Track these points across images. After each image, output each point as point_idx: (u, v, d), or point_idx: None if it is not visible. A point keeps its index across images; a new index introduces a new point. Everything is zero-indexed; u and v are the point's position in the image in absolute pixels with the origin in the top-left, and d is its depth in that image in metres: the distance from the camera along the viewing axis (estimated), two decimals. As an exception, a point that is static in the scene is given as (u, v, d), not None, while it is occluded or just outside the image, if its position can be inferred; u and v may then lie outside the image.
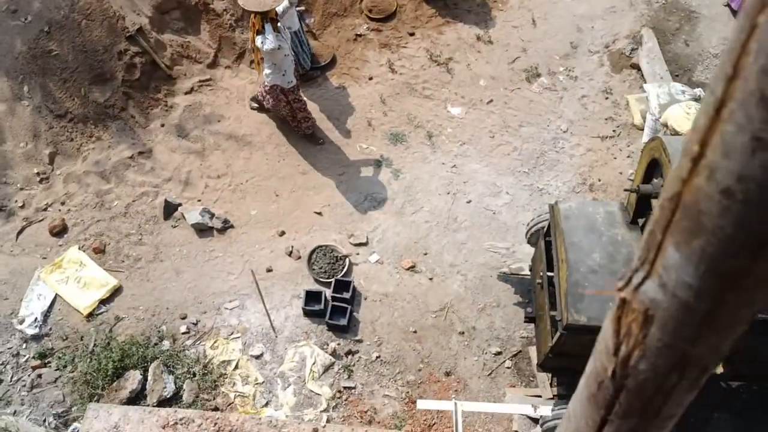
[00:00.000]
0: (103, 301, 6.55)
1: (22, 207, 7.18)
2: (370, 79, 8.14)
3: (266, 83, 6.99)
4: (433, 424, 6.00)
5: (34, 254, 6.91)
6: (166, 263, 6.82)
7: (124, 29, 7.68)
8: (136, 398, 5.98)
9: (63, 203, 7.20)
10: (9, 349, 6.34)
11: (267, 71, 6.85)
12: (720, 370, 5.21)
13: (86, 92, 7.54)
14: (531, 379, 6.24)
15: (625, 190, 5.31)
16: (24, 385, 6.15)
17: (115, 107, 7.64)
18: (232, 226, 7.03)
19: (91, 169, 7.38)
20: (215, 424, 3.78)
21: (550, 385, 6.14)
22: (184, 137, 7.65)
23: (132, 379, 5.99)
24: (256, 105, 7.76)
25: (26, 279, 6.72)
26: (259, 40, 6.52)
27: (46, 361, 6.29)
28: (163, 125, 7.71)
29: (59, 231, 6.99)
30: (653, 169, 4.88)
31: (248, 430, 3.78)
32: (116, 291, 6.62)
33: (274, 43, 6.47)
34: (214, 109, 7.86)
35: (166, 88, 7.91)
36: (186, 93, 7.92)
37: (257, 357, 6.26)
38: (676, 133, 6.67)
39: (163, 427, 3.79)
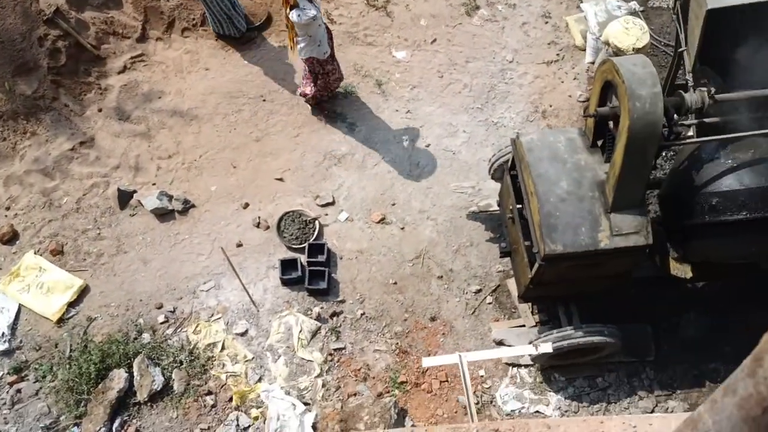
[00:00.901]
0: (72, 304, 6.30)
1: (-36, 218, 6.78)
2: (311, 33, 7.86)
3: (301, 57, 6.67)
4: (426, 371, 6.09)
5: (-14, 266, 6.58)
6: (130, 254, 6.58)
7: (40, 12, 7.15)
8: (125, 396, 5.86)
9: (8, 208, 6.81)
10: (-20, 369, 6.08)
11: (301, 44, 6.50)
12: (689, 274, 5.43)
13: (11, 86, 7.06)
14: (513, 311, 6.37)
15: (584, 116, 5.35)
16: (4, 403, 5.92)
17: (46, 98, 7.19)
18: (193, 206, 6.80)
19: (31, 167, 6.98)
20: None
21: (532, 313, 6.30)
22: (126, 120, 7.28)
23: (118, 379, 5.83)
24: (309, 99, 7.27)
25: (-16, 293, 6.40)
26: (294, 14, 6.16)
27: (23, 374, 6.05)
28: (100, 110, 7.30)
29: (10, 238, 6.63)
30: (607, 91, 4.91)
31: None
32: (83, 291, 6.37)
33: (312, 13, 6.18)
34: (152, 85, 7.47)
35: (96, 70, 7.47)
36: (119, 72, 7.49)
37: (242, 334, 6.18)
38: (618, 50, 6.70)
39: None
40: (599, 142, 5.11)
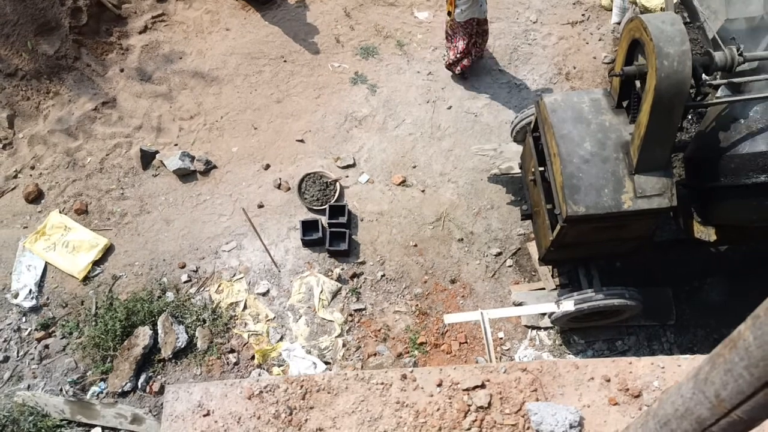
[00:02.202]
0: (97, 263, 6.41)
1: (-10, 177, 6.88)
2: (331, -8, 7.79)
3: (460, 20, 6.59)
4: (446, 332, 6.13)
5: (13, 225, 6.67)
6: (153, 214, 6.65)
7: (61, -28, 7.15)
8: (150, 353, 5.97)
9: (33, 168, 6.90)
10: (9, 325, 6.21)
11: (462, 7, 6.45)
12: (713, 237, 5.36)
13: (33, 45, 7.09)
14: (533, 273, 6.36)
15: (609, 75, 5.25)
16: (33, 359, 6.08)
17: (68, 57, 7.21)
18: (215, 167, 6.83)
19: (55, 127, 7.03)
20: (301, 386, 3.75)
21: (552, 276, 6.29)
22: (147, 80, 7.29)
23: (143, 336, 5.95)
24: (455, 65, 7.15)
25: (11, 251, 6.52)
26: None
27: (50, 330, 6.19)
28: (122, 70, 7.32)
29: (35, 197, 6.73)
30: (634, 49, 4.80)
31: (336, 386, 3.76)
32: (108, 250, 6.47)
33: None
34: (173, 45, 7.46)
35: (118, 30, 7.47)
36: (140, 32, 7.49)
37: (264, 294, 6.25)
38: (645, 9, 6.55)
39: (249, 398, 3.75)
40: (624, 103, 5.03)
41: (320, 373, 4.81)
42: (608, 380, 3.73)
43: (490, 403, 3.70)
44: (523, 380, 3.76)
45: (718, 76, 4.75)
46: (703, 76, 4.48)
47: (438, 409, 3.70)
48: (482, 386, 3.76)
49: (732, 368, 1.73)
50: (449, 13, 6.66)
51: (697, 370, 1.93)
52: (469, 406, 3.70)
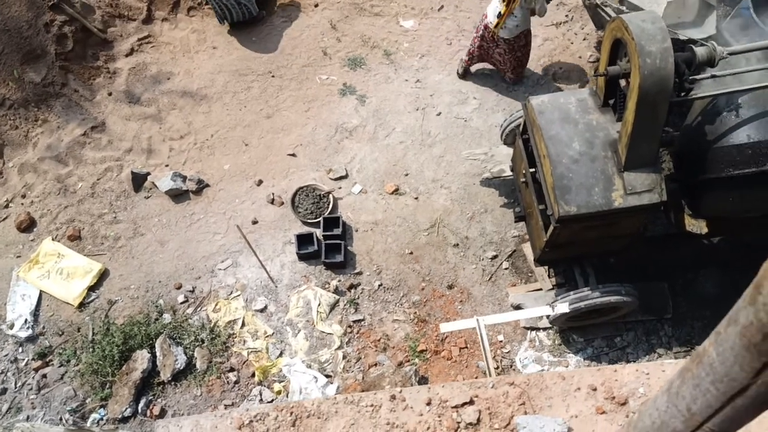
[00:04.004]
0: (92, 288, 6.38)
1: (-18, 208, 6.87)
2: (316, 6, 7.81)
3: (511, 36, 6.60)
4: (446, 338, 6.12)
5: (6, 255, 6.65)
6: (147, 236, 6.64)
7: (44, -1, 7.17)
8: (149, 376, 5.94)
9: (24, 196, 6.89)
10: (5, 356, 6.17)
11: (518, 20, 6.46)
12: (704, 230, 5.38)
13: (20, 74, 7.10)
14: (529, 275, 6.36)
15: (594, 75, 5.27)
16: (31, 389, 6.04)
17: (55, 84, 7.23)
18: (207, 185, 6.83)
19: (44, 154, 7.04)
20: (291, 413, 3.74)
21: (548, 276, 6.30)
22: (136, 102, 7.31)
23: (141, 360, 5.92)
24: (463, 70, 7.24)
25: (5, 282, 6.49)
26: None
27: (47, 359, 6.15)
28: (110, 94, 7.33)
29: (27, 225, 6.72)
30: (617, 49, 4.83)
31: (326, 411, 3.75)
32: (103, 275, 6.45)
33: None
34: (161, 66, 7.48)
35: (104, 54, 7.49)
36: (127, 55, 7.51)
37: (261, 310, 6.24)
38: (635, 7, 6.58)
39: (239, 428, 3.73)
40: (611, 102, 5.05)
41: (309, 399, 4.79)
42: (594, 389, 3.74)
43: (479, 419, 3.71)
44: (510, 394, 3.77)
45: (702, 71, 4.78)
46: (686, 71, 4.50)
47: (428, 428, 3.70)
48: (471, 402, 3.76)
49: (699, 383, 1.75)
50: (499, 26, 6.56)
51: (669, 383, 1.95)
52: (459, 423, 3.70)
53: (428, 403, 3.75)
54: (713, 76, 4.66)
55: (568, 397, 3.72)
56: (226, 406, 5.87)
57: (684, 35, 4.98)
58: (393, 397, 3.77)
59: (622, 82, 4.79)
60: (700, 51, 4.55)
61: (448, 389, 3.79)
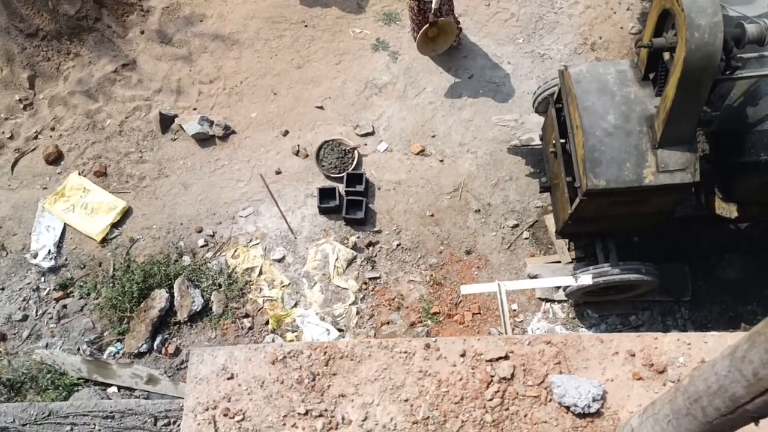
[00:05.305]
0: (115, 225, 6.45)
1: (11, 138, 6.91)
2: (351, -44, 7.64)
3: None
4: (459, 302, 6.13)
5: (33, 186, 6.73)
6: (172, 178, 6.67)
7: (82, -70, 7.08)
8: (166, 316, 6.03)
9: (53, 129, 6.93)
10: (28, 284, 6.30)
11: None
12: (734, 214, 5.28)
13: (54, 5, 7.06)
14: (549, 246, 6.32)
15: (638, 46, 5.11)
16: (51, 318, 6.17)
17: (89, 18, 7.18)
18: (233, 132, 6.82)
19: (75, 89, 7.04)
20: (324, 353, 3.77)
21: (568, 249, 6.24)
22: (168, 43, 7.25)
23: (159, 298, 6.01)
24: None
25: (31, 212, 6.58)
26: None
27: (68, 291, 6.27)
28: (142, 32, 7.28)
29: (55, 158, 6.77)
30: (664, 20, 4.68)
31: (359, 354, 3.78)
32: (126, 213, 6.51)
33: None
34: (194, 8, 7.39)
35: (138, -9, 7.42)
36: (161, -7, 7.43)
37: (279, 260, 6.27)
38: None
39: (273, 363, 3.78)
40: (651, 75, 4.92)
41: (344, 341, 4.85)
42: (633, 355, 3.71)
43: (513, 375, 3.71)
44: (547, 353, 3.76)
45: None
46: (734, 48, 4.35)
47: (461, 379, 3.72)
48: (506, 357, 3.76)
49: None
50: None
51: (734, 348, 1.92)
52: (492, 376, 3.71)
53: (462, 355, 3.76)
54: (762, 56, 4.51)
55: (605, 360, 3.71)
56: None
57: (735, 11, 4.80)
58: (427, 346, 3.79)
59: (666, 56, 4.64)
60: (750, 28, 4.39)
61: (484, 342, 3.80)
